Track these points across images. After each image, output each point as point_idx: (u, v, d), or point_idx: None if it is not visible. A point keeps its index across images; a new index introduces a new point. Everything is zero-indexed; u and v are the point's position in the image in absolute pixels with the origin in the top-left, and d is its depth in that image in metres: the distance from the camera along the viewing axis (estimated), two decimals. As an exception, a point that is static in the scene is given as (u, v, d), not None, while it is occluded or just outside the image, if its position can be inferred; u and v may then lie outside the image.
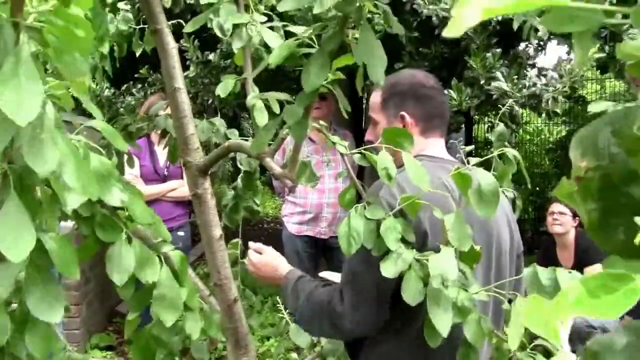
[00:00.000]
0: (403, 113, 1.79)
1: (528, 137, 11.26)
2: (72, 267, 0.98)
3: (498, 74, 4.30)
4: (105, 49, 1.87)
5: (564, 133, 9.98)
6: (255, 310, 1.87)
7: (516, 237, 1.86)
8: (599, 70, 5.54)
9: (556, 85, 4.27)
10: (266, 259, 1.89)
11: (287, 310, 1.89)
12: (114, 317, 5.40)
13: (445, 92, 4.28)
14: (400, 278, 1.60)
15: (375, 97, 1.87)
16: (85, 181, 0.92)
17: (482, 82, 4.35)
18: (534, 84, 4.32)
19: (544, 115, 11.00)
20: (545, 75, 4.50)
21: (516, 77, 4.42)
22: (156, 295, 1.15)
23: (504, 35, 4.55)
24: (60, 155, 0.85)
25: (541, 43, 5.36)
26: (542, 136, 11.35)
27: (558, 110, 4.40)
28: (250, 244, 1.89)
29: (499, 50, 4.42)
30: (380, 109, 1.85)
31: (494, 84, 4.26)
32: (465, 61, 4.46)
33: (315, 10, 1.12)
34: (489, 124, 9.22)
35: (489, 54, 4.38)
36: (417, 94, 1.80)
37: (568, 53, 5.36)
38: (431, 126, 1.81)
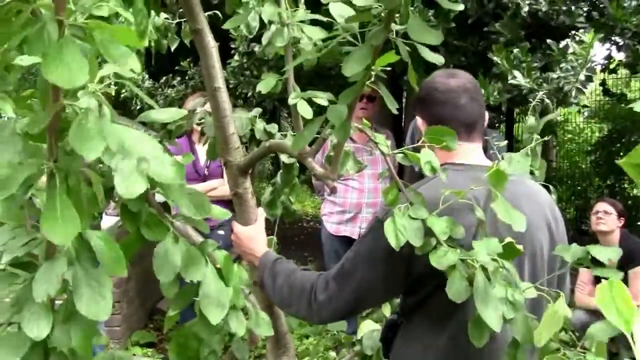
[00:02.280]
0: (418, 117, 1.77)
1: (569, 136, 11.07)
2: (119, 265, 0.99)
3: (516, 73, 4.17)
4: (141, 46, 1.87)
5: (605, 132, 9.74)
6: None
7: (560, 242, 1.77)
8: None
9: (576, 75, 4.12)
10: (257, 230, 1.87)
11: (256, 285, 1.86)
12: (154, 314, 5.45)
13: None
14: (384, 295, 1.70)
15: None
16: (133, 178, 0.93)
17: (509, 77, 4.24)
18: (557, 77, 4.18)
19: (585, 114, 10.83)
20: (565, 68, 4.32)
21: (539, 71, 4.28)
22: (202, 293, 1.16)
23: (536, 30, 4.43)
24: (106, 144, 0.86)
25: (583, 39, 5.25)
26: (583, 136, 11.14)
27: (587, 103, 4.29)
28: (233, 223, 1.88)
29: (525, 44, 4.30)
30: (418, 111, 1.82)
31: (510, 80, 4.15)
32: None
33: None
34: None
35: (516, 50, 4.28)
36: (429, 99, 1.74)
37: (609, 52, 5.24)
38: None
